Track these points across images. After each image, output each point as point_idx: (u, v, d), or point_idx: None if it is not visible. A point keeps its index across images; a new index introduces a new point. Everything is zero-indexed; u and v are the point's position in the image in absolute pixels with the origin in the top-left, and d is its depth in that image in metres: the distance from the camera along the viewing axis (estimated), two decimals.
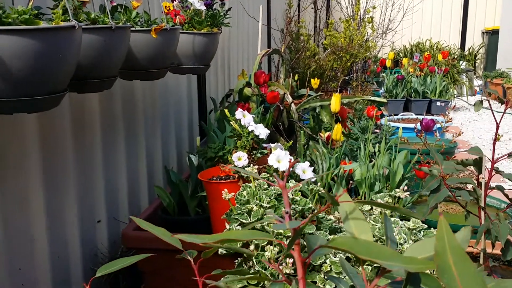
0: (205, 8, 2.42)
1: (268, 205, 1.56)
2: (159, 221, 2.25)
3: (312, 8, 8.93)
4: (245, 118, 1.94)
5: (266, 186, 1.68)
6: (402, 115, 5.49)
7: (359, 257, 0.60)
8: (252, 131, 1.91)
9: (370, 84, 7.06)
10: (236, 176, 1.96)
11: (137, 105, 2.72)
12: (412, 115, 5.56)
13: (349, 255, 0.88)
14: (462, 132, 3.80)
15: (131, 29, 1.75)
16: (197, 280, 1.35)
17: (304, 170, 2.01)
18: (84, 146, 2.22)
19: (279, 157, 1.88)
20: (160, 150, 3.03)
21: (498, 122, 1.76)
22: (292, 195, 1.65)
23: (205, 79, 3.61)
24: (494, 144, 1.93)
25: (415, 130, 3.58)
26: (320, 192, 1.89)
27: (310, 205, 1.67)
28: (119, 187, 2.56)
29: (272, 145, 1.93)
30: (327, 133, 3.25)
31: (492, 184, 1.82)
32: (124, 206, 2.62)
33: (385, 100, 3.53)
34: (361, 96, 3.41)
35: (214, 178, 2.09)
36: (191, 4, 2.40)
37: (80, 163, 2.20)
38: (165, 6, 2.14)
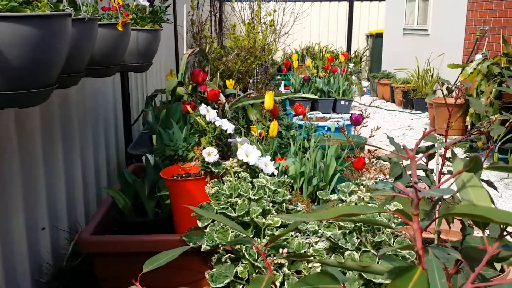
0: (148, 4, 2.36)
1: (256, 197, 1.56)
2: (115, 223, 2.15)
3: (208, 11, 8.98)
4: (209, 113, 1.92)
5: (249, 179, 1.68)
6: (311, 113, 5.68)
7: (495, 221, 0.63)
8: (219, 126, 1.89)
9: (275, 85, 7.23)
10: (202, 173, 1.93)
11: (71, 110, 2.57)
12: (319, 113, 5.79)
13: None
14: (380, 127, 4.04)
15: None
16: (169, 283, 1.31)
17: (266, 164, 2.03)
18: (27, 153, 2.07)
19: (247, 151, 1.88)
20: (92, 156, 2.89)
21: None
22: (273, 187, 1.66)
23: (129, 81, 3.50)
24: (446, 133, 2.09)
25: (339, 126, 3.75)
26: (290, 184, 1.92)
27: (289, 196, 1.70)
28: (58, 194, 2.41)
29: (238, 139, 1.93)
30: (259, 131, 3.30)
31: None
32: (63, 214, 2.47)
33: (316, 97, 3.65)
34: (292, 94, 3.49)
35: (175, 176, 2.04)
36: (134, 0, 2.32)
37: (24, 170, 2.04)
38: (114, 0, 2.05)
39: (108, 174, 3.23)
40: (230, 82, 4.78)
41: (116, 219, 2.14)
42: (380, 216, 1.64)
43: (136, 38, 2.32)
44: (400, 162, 2.02)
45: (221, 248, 1.63)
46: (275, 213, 1.62)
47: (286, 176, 3.11)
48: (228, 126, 1.91)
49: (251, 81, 7.37)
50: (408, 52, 9.25)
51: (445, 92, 2.14)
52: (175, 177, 2.03)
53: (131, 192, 2.16)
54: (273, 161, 3.17)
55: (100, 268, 1.97)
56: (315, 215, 0.71)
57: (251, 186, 1.64)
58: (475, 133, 2.37)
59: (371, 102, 5.97)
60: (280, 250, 1.50)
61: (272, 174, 2.03)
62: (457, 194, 0.84)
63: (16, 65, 1.10)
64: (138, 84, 4.14)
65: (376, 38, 11.46)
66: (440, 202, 1.48)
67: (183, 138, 2.34)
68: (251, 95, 3.41)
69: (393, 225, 1.66)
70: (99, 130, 3.06)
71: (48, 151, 2.27)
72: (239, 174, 1.71)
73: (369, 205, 1.69)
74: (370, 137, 3.84)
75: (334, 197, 1.90)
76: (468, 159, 0.75)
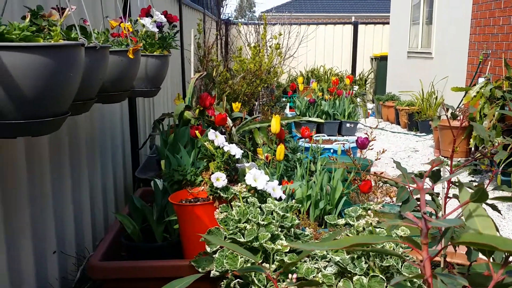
0: (157, 30, 2.40)
1: (264, 223, 1.57)
2: (123, 248, 2.16)
3: (214, 34, 9.07)
4: (218, 139, 1.94)
5: (258, 204, 1.68)
6: (317, 136, 5.70)
7: (499, 249, 0.64)
8: (228, 151, 1.90)
9: (280, 108, 7.27)
10: (211, 198, 1.94)
11: (80, 135, 2.60)
12: (324, 136, 5.80)
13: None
14: (385, 150, 4.05)
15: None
16: None
17: (274, 188, 2.04)
18: (36, 178, 2.08)
19: (255, 176, 1.90)
20: (100, 180, 2.91)
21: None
22: (282, 212, 1.67)
23: (136, 104, 3.54)
24: (451, 157, 2.10)
25: (345, 149, 3.76)
26: (297, 208, 1.93)
27: (297, 221, 1.70)
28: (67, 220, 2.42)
29: (246, 164, 1.94)
30: (266, 154, 3.32)
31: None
32: (71, 239, 2.48)
33: (323, 121, 3.67)
34: (299, 117, 3.52)
35: (184, 201, 2.05)
36: (143, 26, 2.36)
37: (32, 195, 2.05)
38: (124, 27, 2.09)
39: (116, 198, 3.25)
40: (236, 105, 4.82)
41: (124, 244, 2.15)
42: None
43: (145, 63, 2.35)
44: (407, 186, 2.03)
45: (230, 273, 1.63)
46: (284, 238, 1.62)
47: (293, 200, 3.11)
48: (236, 151, 1.93)
49: (257, 103, 7.42)
50: (413, 74, 9.29)
51: (449, 116, 2.15)
52: (183, 202, 2.04)
53: (140, 217, 2.17)
54: (280, 185, 3.19)
55: None
56: (328, 244, 0.72)
57: (259, 211, 1.65)
58: (480, 157, 2.38)
59: (377, 125, 6.00)
60: (289, 275, 1.50)
61: (280, 198, 2.04)
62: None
63: (29, 94, 1.12)
64: (145, 108, 4.18)
65: (381, 61, 11.53)
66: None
67: (191, 162, 2.36)
68: (258, 118, 3.43)
69: (400, 249, 1.66)
70: (106, 154, 3.08)
71: (56, 176, 2.29)
72: (248, 199, 1.72)
73: (377, 229, 1.70)
74: (376, 160, 3.85)
75: (341, 221, 1.91)
76: (474, 189, 0.76)
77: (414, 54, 9.61)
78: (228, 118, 3.09)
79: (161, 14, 2.40)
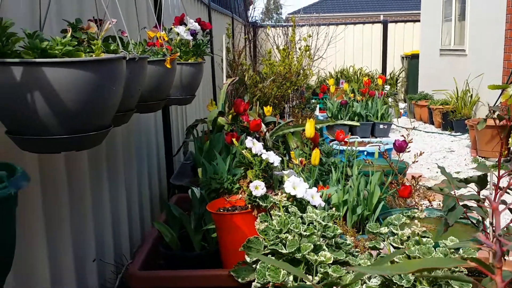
0: (191, 38, 2.39)
1: (307, 233, 1.53)
2: (161, 256, 2.15)
3: (243, 38, 9.08)
4: (255, 146, 1.91)
5: (299, 214, 1.65)
6: (351, 138, 5.63)
7: None
8: (266, 159, 1.88)
9: (310, 109, 7.22)
10: (249, 206, 1.92)
11: (117, 144, 2.61)
12: (357, 138, 5.72)
13: None
14: (423, 152, 3.97)
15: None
16: None
17: (313, 195, 2.01)
18: (75, 189, 2.10)
19: (294, 184, 1.86)
20: (136, 187, 2.92)
21: None
22: (323, 222, 1.63)
23: (170, 111, 3.55)
24: (499, 161, 2.03)
25: (380, 151, 3.70)
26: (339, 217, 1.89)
27: (339, 230, 1.66)
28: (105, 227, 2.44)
29: (285, 172, 1.91)
30: (301, 158, 3.28)
31: None
32: (109, 247, 2.49)
33: (358, 124, 3.62)
34: (333, 121, 3.47)
35: (221, 210, 2.03)
36: (177, 34, 2.35)
37: (72, 204, 2.07)
38: (160, 37, 2.08)
39: (151, 205, 3.26)
40: (268, 109, 4.79)
41: (162, 252, 2.14)
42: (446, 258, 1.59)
43: (180, 71, 2.35)
44: (452, 193, 1.97)
45: (272, 285, 1.60)
46: (326, 249, 1.59)
47: (329, 205, 3.07)
48: (274, 159, 1.90)
49: (287, 106, 7.39)
50: (446, 73, 9.12)
51: (494, 116, 2.08)
52: (221, 210, 2.02)
53: (177, 225, 2.17)
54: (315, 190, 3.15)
55: None
56: (391, 269, 0.69)
57: (300, 221, 1.62)
58: None
59: (413, 127, 5.91)
60: None
61: (319, 205, 2.00)
62: None
63: (73, 109, 1.11)
64: (178, 114, 4.19)
65: (412, 59, 11.35)
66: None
67: (227, 169, 2.34)
68: (291, 123, 3.39)
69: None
70: (142, 161, 3.10)
71: (94, 185, 2.30)
72: (288, 209, 1.69)
73: (424, 239, 1.64)
74: (413, 162, 3.77)
75: (384, 229, 1.86)
76: None
77: (447, 52, 9.43)
78: (262, 123, 3.06)
79: (195, 21, 2.39)
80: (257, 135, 3.05)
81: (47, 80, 1.02)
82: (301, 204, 1.97)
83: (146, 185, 3.15)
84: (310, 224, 1.64)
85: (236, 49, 6.41)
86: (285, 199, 1.72)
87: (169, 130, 3.50)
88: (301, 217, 1.65)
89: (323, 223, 1.63)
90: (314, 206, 2.03)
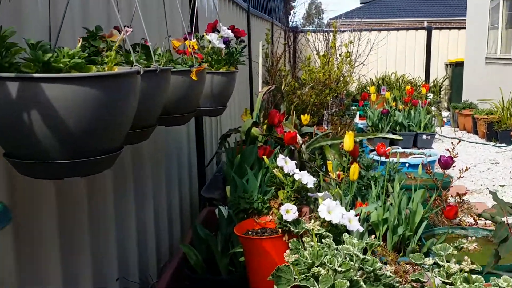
0: (224, 46, 2.25)
1: (342, 269, 1.37)
2: (186, 280, 2.02)
3: (282, 44, 8.93)
4: (287, 165, 1.76)
5: (334, 246, 1.49)
6: (394, 149, 5.40)
7: None
8: (299, 180, 1.72)
9: (349, 116, 7.01)
10: (280, 231, 1.76)
11: (144, 154, 2.50)
12: (399, 148, 5.49)
13: None
14: (469, 167, 3.72)
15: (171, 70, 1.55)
16: None
17: (350, 219, 1.84)
18: (98, 203, 1.99)
19: (329, 208, 1.70)
20: (165, 198, 2.81)
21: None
22: (362, 255, 1.47)
23: (203, 119, 3.43)
24: None
25: (423, 164, 3.48)
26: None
27: (378, 264, 1.49)
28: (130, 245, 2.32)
29: (319, 194, 1.75)
30: (338, 172, 3.11)
31: None
32: (133, 265, 2.37)
33: (401, 138, 3.42)
34: (374, 134, 3.29)
35: (250, 232, 1.88)
36: (209, 42, 2.22)
37: (92, 220, 1.96)
38: (189, 45, 1.95)
39: (181, 217, 3.14)
40: (305, 117, 4.64)
41: (187, 274, 2.01)
42: None
43: (211, 81, 2.21)
44: (505, 222, 1.77)
45: None
46: (364, 284, 1.42)
47: (367, 222, 2.88)
48: (308, 179, 1.74)
49: (325, 113, 7.20)
50: (491, 82, 8.75)
51: None
52: (250, 233, 1.87)
53: (203, 246, 2.03)
54: (354, 206, 2.96)
55: None
56: None
57: (335, 252, 1.45)
58: None
59: (459, 141, 5.60)
60: None
61: (357, 231, 1.83)
62: None
63: (76, 131, 0.98)
64: (212, 122, 4.07)
65: (456, 67, 10.98)
66: None
67: (258, 185, 2.19)
68: (330, 134, 3.23)
69: None
70: (172, 172, 2.98)
71: (119, 196, 2.19)
72: (322, 240, 1.53)
73: (473, 276, 1.46)
74: (458, 178, 3.54)
75: (429, 261, 1.68)
76: None
77: (492, 60, 9.05)
78: (297, 135, 2.90)
79: (228, 29, 2.26)
80: (292, 148, 2.89)
81: (46, 98, 0.90)
82: (337, 228, 1.81)
83: (176, 196, 3.04)
84: (347, 256, 1.48)
85: (274, 55, 6.26)
86: (319, 226, 1.56)
87: (201, 139, 3.38)
88: (336, 249, 1.49)
89: (361, 256, 1.46)
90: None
